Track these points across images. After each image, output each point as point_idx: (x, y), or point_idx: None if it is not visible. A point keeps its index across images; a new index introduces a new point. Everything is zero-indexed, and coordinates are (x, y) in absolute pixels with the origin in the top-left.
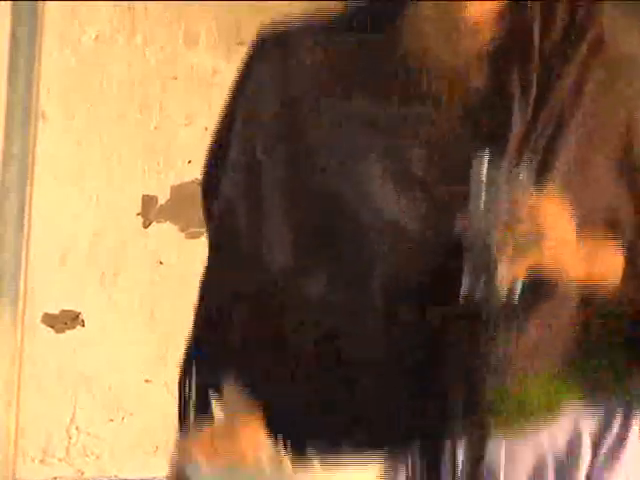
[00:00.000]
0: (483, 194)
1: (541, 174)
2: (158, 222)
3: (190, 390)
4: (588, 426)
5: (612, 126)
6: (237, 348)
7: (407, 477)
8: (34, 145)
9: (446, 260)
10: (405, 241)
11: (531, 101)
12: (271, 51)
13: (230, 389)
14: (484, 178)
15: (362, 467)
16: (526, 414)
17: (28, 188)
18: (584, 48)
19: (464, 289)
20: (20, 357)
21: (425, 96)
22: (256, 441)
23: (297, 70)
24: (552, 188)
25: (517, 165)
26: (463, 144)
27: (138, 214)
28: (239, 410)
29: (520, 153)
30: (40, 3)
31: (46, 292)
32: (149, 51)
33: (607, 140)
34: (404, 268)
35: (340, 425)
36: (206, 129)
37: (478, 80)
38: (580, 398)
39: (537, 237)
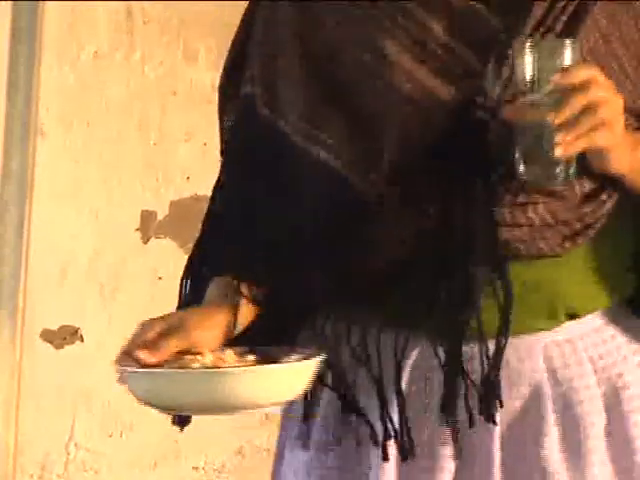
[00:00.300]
0: (527, 77)
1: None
2: (157, 238)
3: (187, 289)
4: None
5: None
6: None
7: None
8: (33, 161)
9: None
10: (434, 106)
11: None
12: None
13: (223, 281)
14: (526, 61)
15: (304, 363)
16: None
17: (27, 204)
18: None
19: (521, 173)
20: (19, 372)
21: None
22: (207, 337)
23: None
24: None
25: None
26: (483, 18)
27: (137, 229)
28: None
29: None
30: (39, 19)
31: (45, 308)
32: (148, 67)
33: (628, 43)
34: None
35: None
36: (205, 145)
37: None
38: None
39: (593, 113)
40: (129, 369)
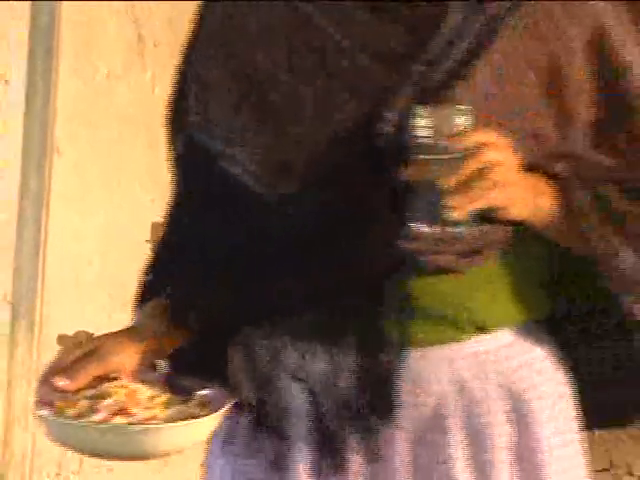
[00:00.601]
0: (424, 140)
1: (462, 96)
2: None
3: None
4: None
5: (540, 53)
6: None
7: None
8: (50, 179)
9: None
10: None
11: (448, 29)
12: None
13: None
14: (423, 125)
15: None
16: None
17: (44, 218)
18: None
19: (413, 233)
20: (36, 378)
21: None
22: (127, 363)
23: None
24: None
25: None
26: (392, 39)
27: (147, 241)
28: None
29: (437, 78)
30: (55, 41)
31: (61, 316)
32: (159, 88)
33: (533, 66)
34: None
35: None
36: None
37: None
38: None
39: (484, 176)
40: (39, 413)
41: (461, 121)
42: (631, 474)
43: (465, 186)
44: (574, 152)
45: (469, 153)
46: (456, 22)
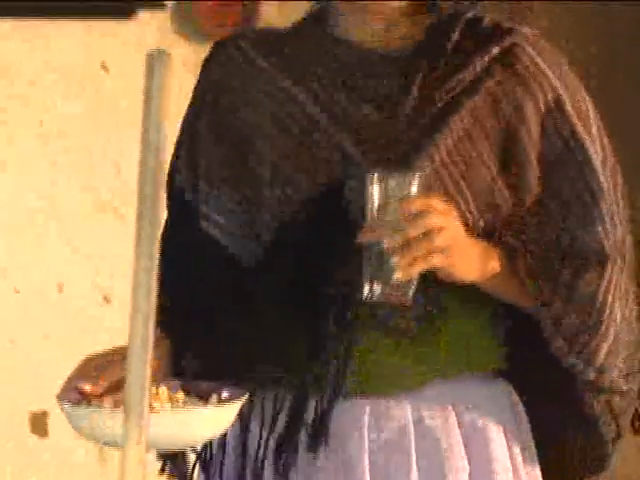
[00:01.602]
0: (375, 206)
1: (420, 167)
2: None
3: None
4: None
5: (497, 124)
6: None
7: (273, 408)
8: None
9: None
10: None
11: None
12: (221, 52)
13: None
14: (375, 192)
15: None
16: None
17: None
18: (493, 54)
19: (365, 292)
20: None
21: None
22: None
23: (242, 60)
24: (437, 186)
25: (401, 163)
26: (363, 108)
27: None
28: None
29: (399, 145)
30: (167, 80)
31: None
32: None
33: (490, 136)
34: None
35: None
36: None
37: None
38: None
39: (428, 240)
40: (66, 405)
41: (410, 188)
42: None
43: (410, 249)
44: (523, 220)
45: (414, 218)
46: (418, 99)
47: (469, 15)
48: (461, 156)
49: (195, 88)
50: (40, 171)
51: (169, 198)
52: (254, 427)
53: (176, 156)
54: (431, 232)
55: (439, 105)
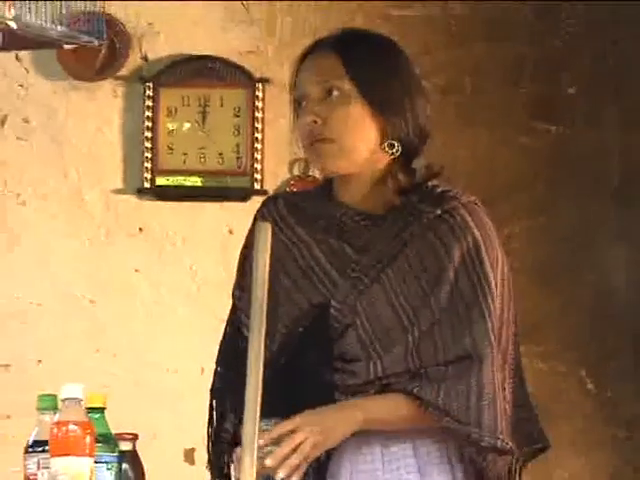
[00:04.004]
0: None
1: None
2: None
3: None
4: None
5: (433, 259)
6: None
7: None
8: None
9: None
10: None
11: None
12: (266, 210)
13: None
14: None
15: None
16: None
17: None
18: (437, 213)
19: None
20: None
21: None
22: None
23: (278, 223)
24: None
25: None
26: (347, 254)
27: None
28: None
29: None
30: None
31: None
32: None
33: (427, 268)
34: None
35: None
36: None
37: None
38: None
39: (302, 447)
40: None
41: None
42: None
43: (288, 458)
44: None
45: (284, 438)
46: (382, 244)
47: (429, 184)
48: (402, 279)
49: (247, 233)
50: None
51: (233, 304)
52: None
53: (236, 283)
54: (301, 442)
55: (396, 248)
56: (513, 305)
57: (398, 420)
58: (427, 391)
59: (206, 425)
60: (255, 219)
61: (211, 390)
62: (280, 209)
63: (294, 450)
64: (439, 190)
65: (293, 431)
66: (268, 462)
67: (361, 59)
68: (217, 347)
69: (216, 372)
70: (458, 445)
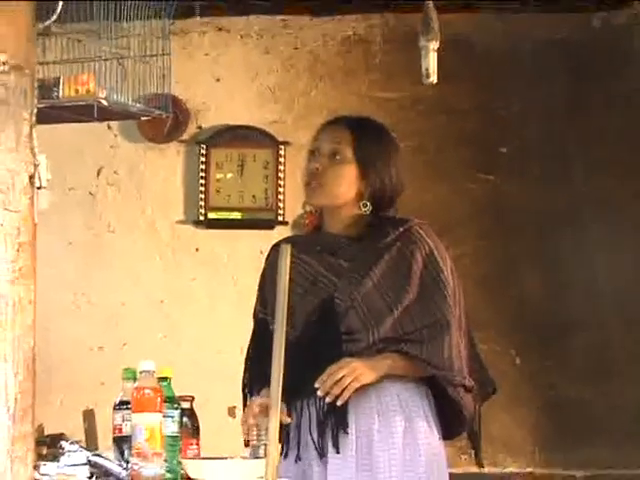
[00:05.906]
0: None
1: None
2: None
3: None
4: None
5: (403, 264)
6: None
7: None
8: None
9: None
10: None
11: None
12: (273, 250)
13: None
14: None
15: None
16: None
17: None
18: (400, 231)
19: None
20: None
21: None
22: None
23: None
24: None
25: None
26: (341, 265)
27: None
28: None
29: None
30: None
31: None
32: None
33: (399, 272)
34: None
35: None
36: None
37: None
38: None
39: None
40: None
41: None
42: None
43: (334, 386)
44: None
45: (331, 375)
46: (362, 257)
47: (388, 214)
48: (382, 275)
49: (265, 263)
50: None
51: (254, 316)
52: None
53: (257, 297)
54: (344, 377)
55: (375, 256)
56: (460, 290)
57: (401, 369)
58: (413, 349)
59: (241, 388)
60: (269, 255)
61: (244, 369)
62: (286, 247)
63: (336, 383)
64: (397, 217)
65: (341, 371)
66: (320, 393)
67: (364, 137)
68: (250, 337)
69: (246, 360)
70: (434, 388)
